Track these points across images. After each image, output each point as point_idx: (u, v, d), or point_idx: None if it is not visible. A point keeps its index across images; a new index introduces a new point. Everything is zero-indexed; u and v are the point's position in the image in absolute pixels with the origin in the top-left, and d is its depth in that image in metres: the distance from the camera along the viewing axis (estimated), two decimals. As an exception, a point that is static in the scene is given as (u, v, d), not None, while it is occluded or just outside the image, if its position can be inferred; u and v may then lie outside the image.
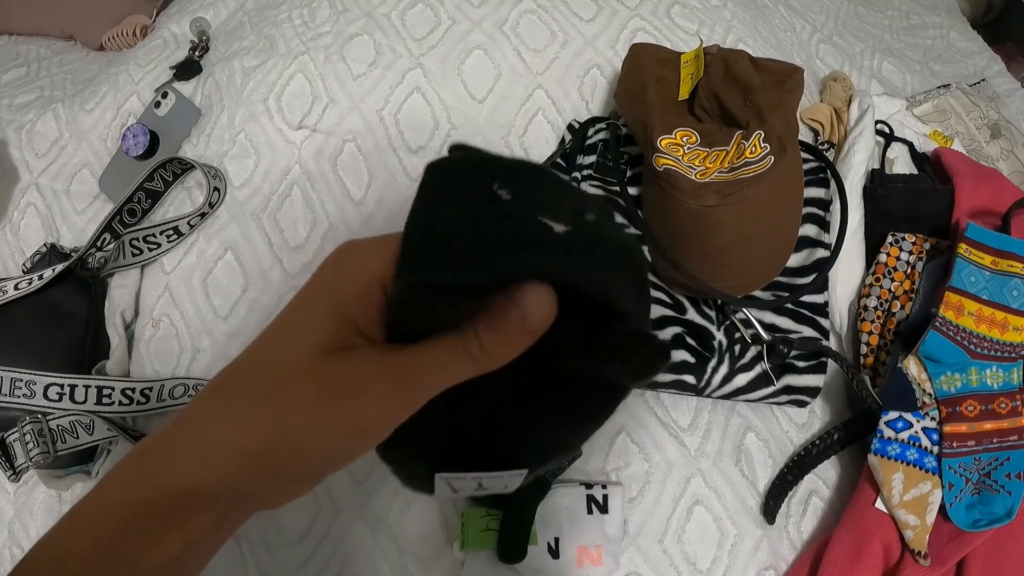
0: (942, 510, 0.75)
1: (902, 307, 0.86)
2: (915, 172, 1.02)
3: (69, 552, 0.32)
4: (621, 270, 0.34)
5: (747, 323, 0.79)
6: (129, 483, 0.33)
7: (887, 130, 1.05)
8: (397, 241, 0.33)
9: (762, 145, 0.75)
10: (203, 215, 0.91)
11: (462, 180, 0.34)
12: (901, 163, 1.03)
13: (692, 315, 0.79)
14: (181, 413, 0.34)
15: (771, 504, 0.77)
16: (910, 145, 1.05)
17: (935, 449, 0.77)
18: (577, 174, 0.88)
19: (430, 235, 0.32)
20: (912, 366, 0.80)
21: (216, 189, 0.92)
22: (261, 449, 0.31)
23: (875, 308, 0.87)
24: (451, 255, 0.30)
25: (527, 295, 0.31)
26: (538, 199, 0.34)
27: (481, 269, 0.30)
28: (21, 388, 0.80)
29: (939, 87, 1.21)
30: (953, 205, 0.93)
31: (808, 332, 0.81)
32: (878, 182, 0.96)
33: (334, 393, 0.31)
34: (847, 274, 0.90)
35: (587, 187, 0.87)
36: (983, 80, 1.29)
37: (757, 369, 0.77)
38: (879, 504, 0.76)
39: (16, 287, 0.85)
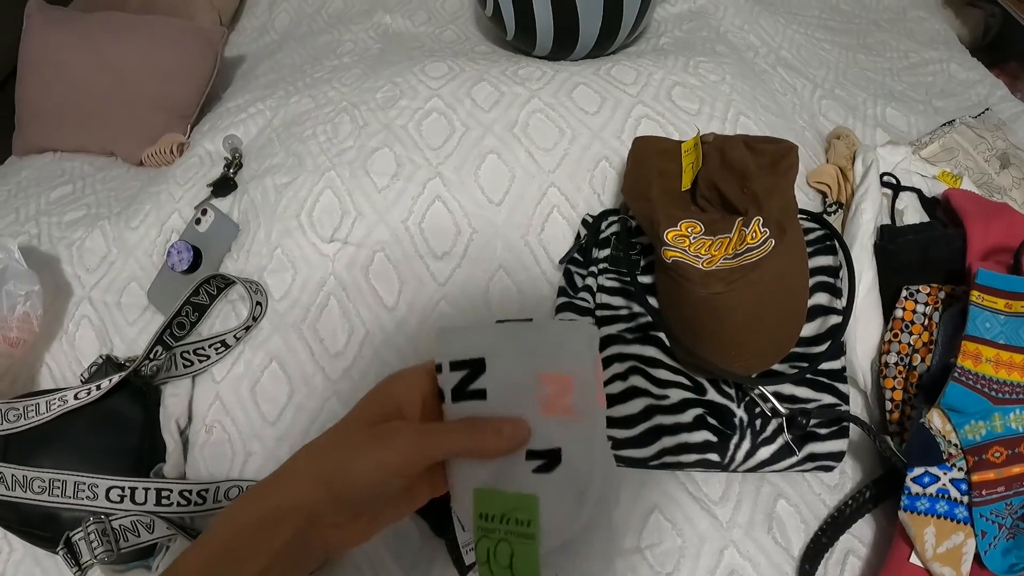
0: (978, 559, 0.76)
1: (922, 360, 0.88)
2: (926, 219, 1.03)
3: (183, 572, 0.45)
4: None
5: (765, 398, 0.82)
6: (230, 512, 0.48)
7: (894, 181, 1.07)
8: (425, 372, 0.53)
9: (762, 230, 0.80)
10: (247, 328, 0.98)
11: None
12: (911, 212, 1.04)
13: (712, 395, 0.83)
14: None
15: (807, 568, 0.79)
16: (918, 192, 1.06)
17: (965, 499, 0.78)
18: (594, 268, 0.93)
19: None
20: (936, 419, 0.81)
21: (258, 303, 0.98)
22: (324, 473, 0.47)
23: (896, 364, 0.89)
24: None
25: (516, 424, 0.49)
26: None
27: None
28: (84, 491, 0.85)
29: (943, 124, 1.23)
30: (966, 248, 0.94)
31: (828, 399, 0.84)
32: (888, 238, 0.97)
33: (372, 439, 0.48)
34: (866, 333, 0.91)
35: (604, 280, 0.92)
36: (987, 110, 1.30)
37: (779, 441, 0.81)
38: (914, 559, 0.77)
39: (76, 396, 0.90)
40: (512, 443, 0.49)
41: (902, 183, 1.07)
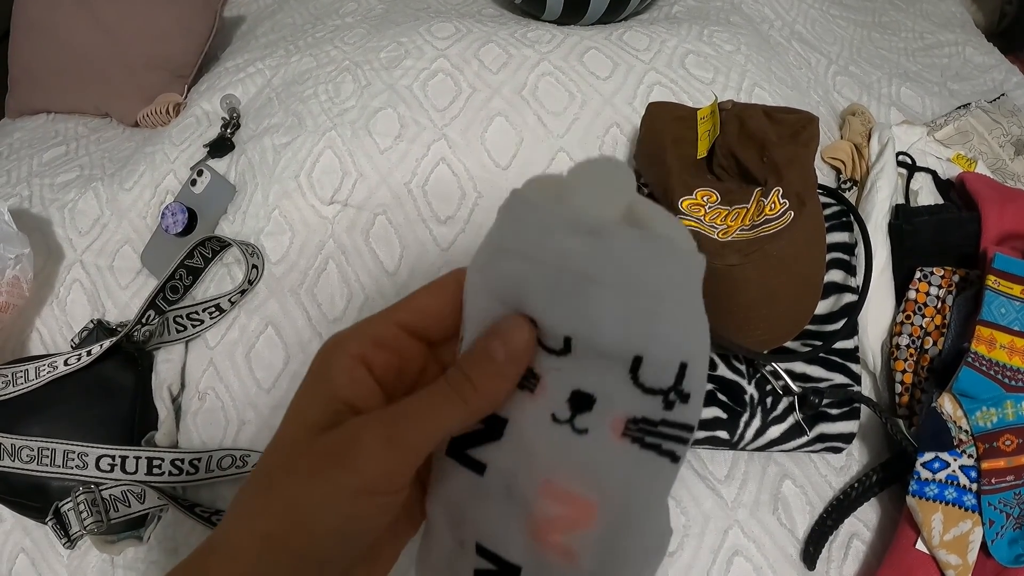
0: (984, 548, 0.75)
1: (934, 343, 0.87)
2: (940, 201, 1.02)
3: None
4: None
5: (777, 375, 0.80)
6: None
7: (909, 161, 1.05)
8: (372, 322, 0.35)
9: (781, 201, 0.77)
10: (243, 292, 0.94)
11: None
12: (926, 193, 1.03)
13: (723, 371, 0.81)
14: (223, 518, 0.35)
15: (811, 550, 0.78)
16: (933, 173, 1.05)
17: (974, 487, 0.77)
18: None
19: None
20: (947, 404, 0.80)
21: (254, 266, 0.95)
22: (274, 531, 0.31)
23: (907, 346, 0.88)
24: None
25: (507, 323, 0.32)
26: None
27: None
28: (74, 460, 0.82)
29: (959, 108, 1.21)
30: (981, 232, 0.93)
31: (839, 379, 0.82)
32: (903, 218, 0.96)
33: (326, 458, 0.31)
34: (878, 313, 0.90)
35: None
36: (1003, 95, 1.28)
37: (790, 420, 0.79)
38: (920, 545, 0.76)
39: (66, 363, 0.87)
40: (523, 352, 0.32)
41: (917, 163, 1.05)
